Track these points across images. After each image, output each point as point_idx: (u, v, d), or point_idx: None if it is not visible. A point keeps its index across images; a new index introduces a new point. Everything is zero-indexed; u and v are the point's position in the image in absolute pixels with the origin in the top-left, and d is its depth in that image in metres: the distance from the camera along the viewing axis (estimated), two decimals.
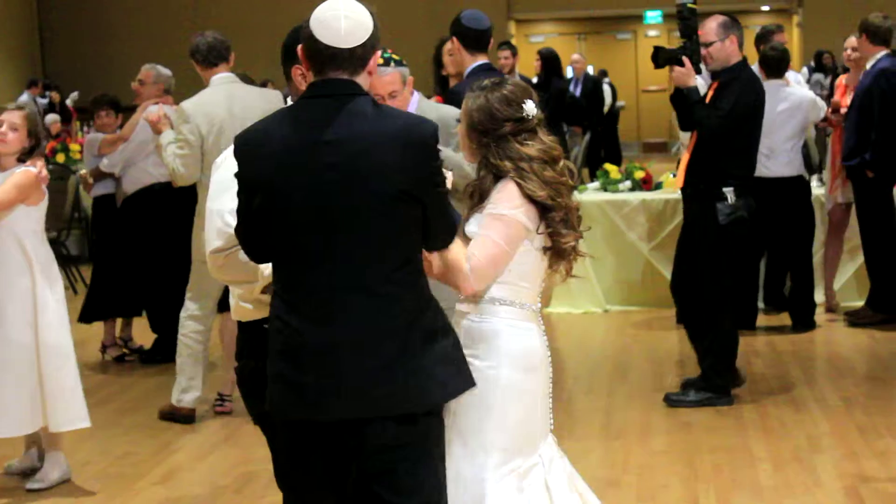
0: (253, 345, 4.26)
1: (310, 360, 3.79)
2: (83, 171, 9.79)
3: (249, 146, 3.84)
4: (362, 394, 3.75)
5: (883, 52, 9.79)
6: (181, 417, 7.85)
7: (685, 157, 7.85)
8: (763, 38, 10.39)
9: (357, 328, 3.75)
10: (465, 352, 4.15)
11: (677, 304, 8.56)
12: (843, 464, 6.70)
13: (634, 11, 27.38)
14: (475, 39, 7.05)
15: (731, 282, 7.71)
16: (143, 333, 9.97)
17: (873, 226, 9.88)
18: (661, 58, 7.83)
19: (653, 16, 27.91)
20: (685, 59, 7.63)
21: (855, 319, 10.03)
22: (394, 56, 5.73)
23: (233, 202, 4.00)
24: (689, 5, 7.78)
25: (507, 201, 4.25)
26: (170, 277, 9.66)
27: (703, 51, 7.70)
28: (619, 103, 23.08)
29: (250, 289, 4.21)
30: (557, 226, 4.31)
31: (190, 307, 7.84)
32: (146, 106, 9.46)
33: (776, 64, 9.68)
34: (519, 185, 4.26)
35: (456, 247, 4.19)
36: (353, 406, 3.76)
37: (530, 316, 4.39)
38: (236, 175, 3.88)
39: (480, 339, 4.31)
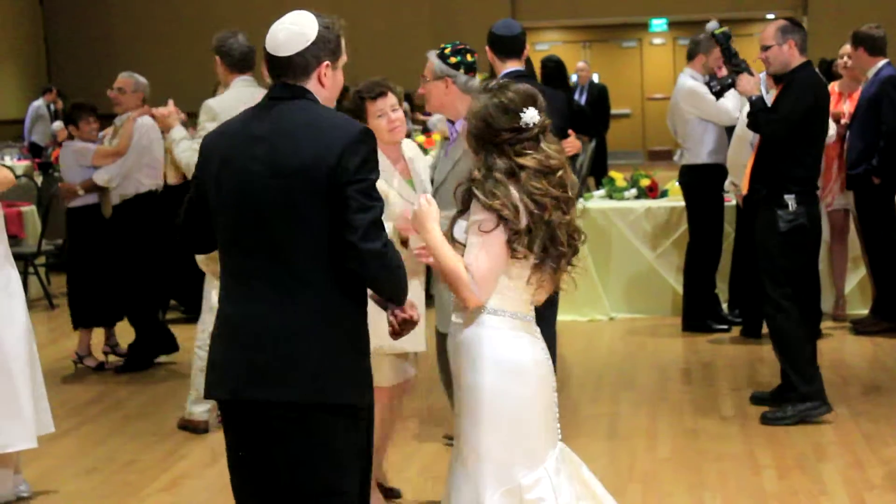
0: None
1: (227, 343, 4.03)
2: (75, 183, 9.62)
3: (209, 138, 4.19)
4: (261, 379, 3.94)
5: (884, 61, 9.81)
6: (194, 429, 7.84)
7: (749, 164, 7.82)
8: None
9: (268, 321, 3.95)
10: (454, 364, 4.29)
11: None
12: (849, 472, 6.70)
13: (639, 19, 27.37)
14: (505, 46, 7.03)
15: (793, 290, 7.57)
16: (129, 338, 10.00)
17: (876, 234, 9.88)
18: (720, 91, 8.17)
19: (658, 24, 27.91)
20: (743, 76, 7.69)
21: (860, 328, 10.03)
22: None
23: None
24: (718, 31, 7.88)
25: (475, 209, 4.28)
26: (154, 284, 9.71)
27: (761, 55, 7.66)
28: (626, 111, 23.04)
29: None
30: (539, 240, 4.28)
31: (206, 320, 7.80)
32: (136, 116, 9.48)
33: (724, 91, 9.61)
34: (475, 193, 4.29)
35: (452, 255, 4.24)
36: (252, 389, 3.95)
37: (520, 325, 4.37)
38: (195, 172, 4.22)
39: (464, 351, 4.33)
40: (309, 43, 4.00)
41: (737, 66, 7.78)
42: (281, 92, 4.04)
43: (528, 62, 7.56)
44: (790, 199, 7.43)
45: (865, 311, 10.34)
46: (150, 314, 9.87)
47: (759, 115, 7.60)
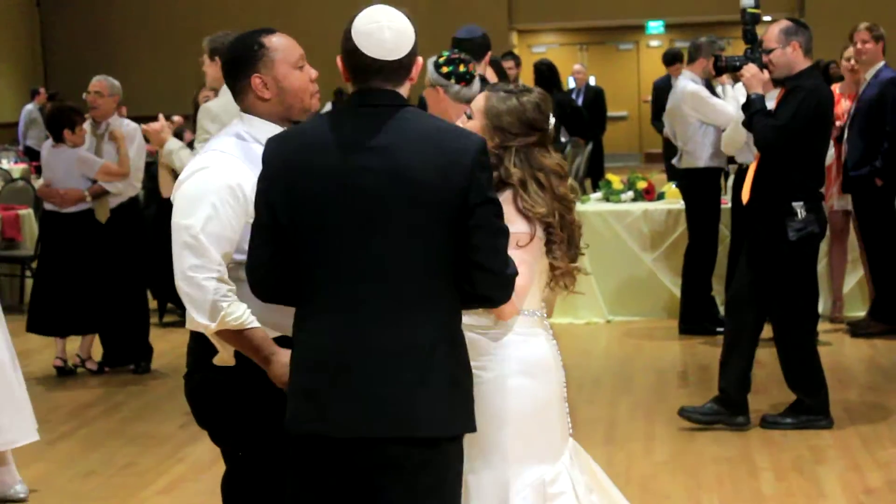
0: (201, 359, 4.17)
1: (332, 375, 3.66)
2: (81, 190, 9.52)
3: (273, 154, 3.75)
4: (380, 412, 3.61)
5: (882, 63, 9.83)
6: None
7: (751, 171, 7.49)
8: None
9: (380, 346, 3.63)
10: (472, 364, 4.15)
11: (733, 321, 7.79)
12: (847, 475, 6.70)
13: (636, 21, 27.40)
14: (463, 49, 7.15)
15: (805, 301, 7.44)
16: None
17: (876, 236, 9.89)
18: (720, 66, 7.73)
19: (655, 26, 27.95)
20: (750, 66, 7.39)
21: (857, 330, 10.03)
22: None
23: (208, 221, 3.95)
24: (751, 10, 7.50)
25: (509, 217, 4.14)
26: (139, 290, 9.72)
27: (764, 57, 7.37)
28: (623, 113, 23.07)
29: (205, 326, 3.99)
30: (555, 247, 4.30)
31: None
32: (124, 134, 9.47)
33: (726, 72, 9.56)
34: (514, 198, 4.25)
35: None
36: (371, 424, 3.62)
37: (536, 322, 4.38)
38: (259, 187, 3.75)
39: (486, 351, 4.28)
40: (413, 41, 3.71)
41: (750, 52, 7.46)
42: (382, 98, 3.69)
43: (497, 64, 7.63)
44: (799, 207, 7.20)
45: (863, 314, 10.35)
46: (138, 319, 9.80)
47: (755, 116, 7.33)
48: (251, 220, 3.87)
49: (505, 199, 4.19)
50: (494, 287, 3.72)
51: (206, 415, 4.25)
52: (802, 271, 7.40)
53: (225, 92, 7.53)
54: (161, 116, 8.07)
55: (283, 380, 3.86)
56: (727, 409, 7.48)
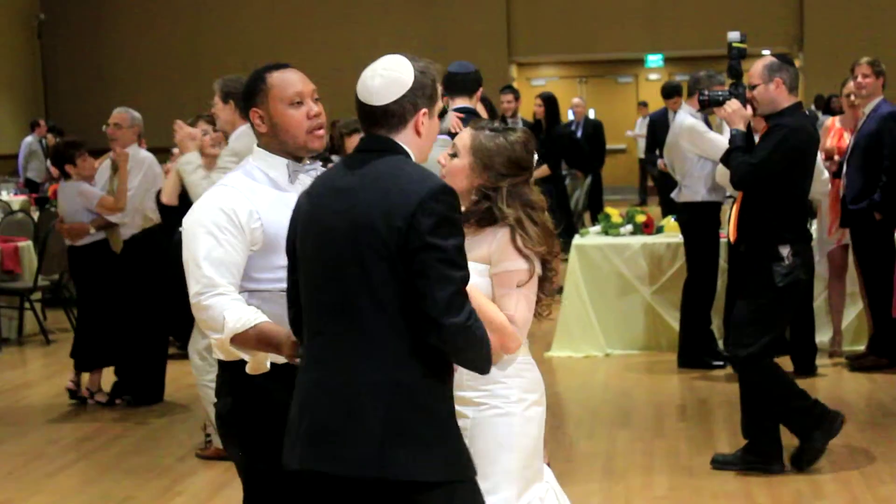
0: (233, 383, 4.28)
1: (302, 411, 3.77)
2: (85, 223, 9.57)
3: (302, 196, 3.92)
4: (323, 449, 3.69)
5: (880, 97, 9.86)
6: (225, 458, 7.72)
7: (735, 210, 7.38)
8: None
9: (328, 383, 3.71)
10: (474, 394, 4.29)
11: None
12: None
13: (636, 55, 27.49)
14: (455, 83, 7.36)
15: (770, 341, 7.15)
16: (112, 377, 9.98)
17: (875, 269, 9.89)
18: (704, 100, 7.61)
19: (654, 59, 28.05)
20: (732, 102, 7.30)
21: (857, 364, 10.03)
22: None
23: (205, 248, 4.13)
24: (736, 44, 7.48)
25: (511, 256, 4.30)
26: (157, 321, 9.71)
27: (748, 93, 7.27)
28: (622, 146, 23.11)
29: (220, 341, 4.14)
30: (545, 283, 4.42)
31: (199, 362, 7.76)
32: (124, 168, 9.49)
33: (710, 106, 9.52)
34: (513, 237, 4.30)
35: (496, 309, 4.25)
36: (317, 459, 3.71)
37: (525, 349, 4.48)
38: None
39: (489, 379, 4.32)
40: (406, 90, 3.74)
41: (734, 88, 7.44)
42: (370, 144, 3.79)
43: (488, 101, 7.67)
44: (785, 251, 7.04)
45: (862, 347, 10.34)
46: (159, 351, 9.84)
47: (733, 153, 7.27)
48: (255, 248, 4.15)
49: (501, 237, 4.30)
50: (434, 335, 3.62)
51: (235, 444, 4.39)
52: (784, 316, 7.30)
53: (247, 133, 7.37)
54: (198, 130, 8.03)
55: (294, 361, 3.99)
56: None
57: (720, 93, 7.54)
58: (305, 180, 4.31)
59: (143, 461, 8.13)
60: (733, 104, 7.32)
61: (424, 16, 24.70)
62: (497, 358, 4.26)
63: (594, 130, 18.94)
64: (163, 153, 10.17)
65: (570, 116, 19.96)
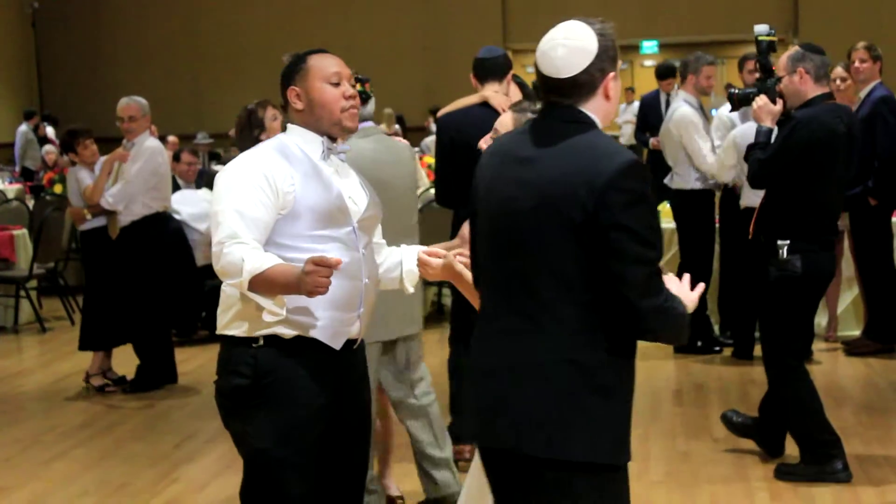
0: (238, 361, 4.31)
1: (475, 384, 3.74)
2: (83, 208, 9.67)
3: (482, 161, 3.87)
4: (502, 423, 3.62)
5: (876, 81, 9.85)
6: None
7: (758, 204, 7.19)
8: (741, 64, 10.31)
9: (511, 357, 3.63)
10: None
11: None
12: (841, 494, 6.70)
13: (631, 41, 27.44)
14: (484, 68, 7.35)
15: (786, 340, 6.95)
16: (122, 363, 9.98)
17: (870, 255, 9.90)
18: (735, 99, 7.33)
19: (649, 46, 28.00)
20: (760, 98, 7.06)
21: (852, 349, 10.04)
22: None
23: (238, 202, 4.18)
24: (763, 37, 7.19)
25: None
26: (159, 306, 9.73)
27: (778, 87, 6.98)
28: (617, 133, 23.09)
29: (239, 284, 4.15)
30: None
31: None
32: (108, 166, 9.54)
33: (741, 104, 9.40)
34: None
35: None
36: (494, 435, 3.66)
37: None
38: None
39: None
40: (593, 57, 3.60)
41: (762, 82, 7.15)
42: (556, 114, 3.67)
43: (523, 84, 7.64)
44: (782, 247, 6.82)
45: (857, 332, 10.36)
46: (159, 337, 9.87)
47: (751, 150, 7.08)
48: (283, 213, 4.23)
49: None
50: (630, 318, 3.54)
51: (227, 420, 4.42)
52: (782, 312, 6.98)
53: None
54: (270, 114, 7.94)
55: (311, 288, 3.98)
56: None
57: (749, 90, 7.28)
58: (336, 161, 4.44)
59: (141, 448, 8.13)
60: (759, 100, 7.07)
61: (420, 2, 24.68)
62: None
63: None
64: (163, 141, 10.19)
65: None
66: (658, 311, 3.54)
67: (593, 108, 3.67)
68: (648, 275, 3.52)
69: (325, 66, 4.42)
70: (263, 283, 4.11)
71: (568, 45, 3.61)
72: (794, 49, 6.98)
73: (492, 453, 3.73)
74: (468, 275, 4.15)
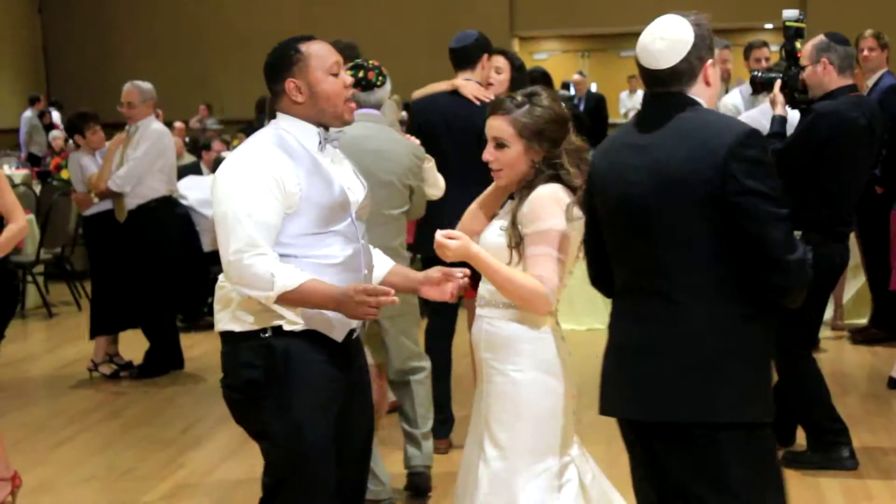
0: (248, 354, 4.27)
1: (618, 361, 3.96)
2: (89, 193, 9.67)
3: (600, 150, 4.09)
4: (646, 397, 3.86)
5: (884, 70, 9.83)
6: None
7: None
8: (746, 52, 10.25)
9: (650, 333, 3.85)
10: (486, 354, 4.44)
11: None
12: (847, 481, 6.70)
13: (638, 28, 27.06)
14: (455, 57, 7.35)
15: (794, 330, 6.69)
16: (129, 348, 9.98)
17: (876, 243, 9.89)
18: (758, 82, 7.25)
19: None
20: (776, 85, 7.01)
21: (859, 337, 10.04)
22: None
23: (251, 207, 4.10)
24: (791, 23, 7.09)
25: (551, 216, 4.33)
26: (166, 291, 9.73)
27: (802, 75, 6.90)
28: (624, 121, 23.05)
29: (266, 298, 4.14)
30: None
31: None
32: (114, 149, 9.56)
33: (763, 88, 9.33)
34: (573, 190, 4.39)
35: (520, 275, 4.31)
36: (639, 408, 3.89)
37: (548, 320, 4.50)
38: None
39: (501, 345, 4.44)
40: (690, 46, 3.87)
41: (787, 69, 7.03)
42: (663, 100, 3.90)
43: (522, 69, 7.63)
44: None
45: (864, 321, 10.36)
46: (166, 322, 9.89)
47: (768, 139, 6.71)
48: (289, 212, 4.16)
49: (542, 193, 4.36)
50: (777, 275, 3.74)
51: (242, 417, 4.42)
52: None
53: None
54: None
55: (359, 314, 4.10)
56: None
57: (774, 74, 7.19)
58: (330, 150, 4.39)
59: (147, 433, 8.15)
60: (777, 86, 7.03)
61: None
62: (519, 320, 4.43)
63: (596, 104, 18.91)
64: (167, 127, 10.18)
65: (571, 91, 19.93)
66: (802, 264, 3.76)
67: (696, 94, 3.91)
68: (787, 231, 3.75)
69: (325, 55, 4.33)
70: (293, 299, 4.11)
71: (666, 38, 3.87)
72: (819, 38, 6.88)
73: (640, 426, 3.93)
74: (485, 255, 4.29)
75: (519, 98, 4.48)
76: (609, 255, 4.01)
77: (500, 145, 4.45)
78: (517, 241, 4.37)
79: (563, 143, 4.44)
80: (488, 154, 4.49)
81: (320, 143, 4.34)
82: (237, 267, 4.12)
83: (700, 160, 3.71)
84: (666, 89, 3.88)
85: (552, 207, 4.33)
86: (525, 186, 4.43)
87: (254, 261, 4.09)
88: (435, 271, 4.51)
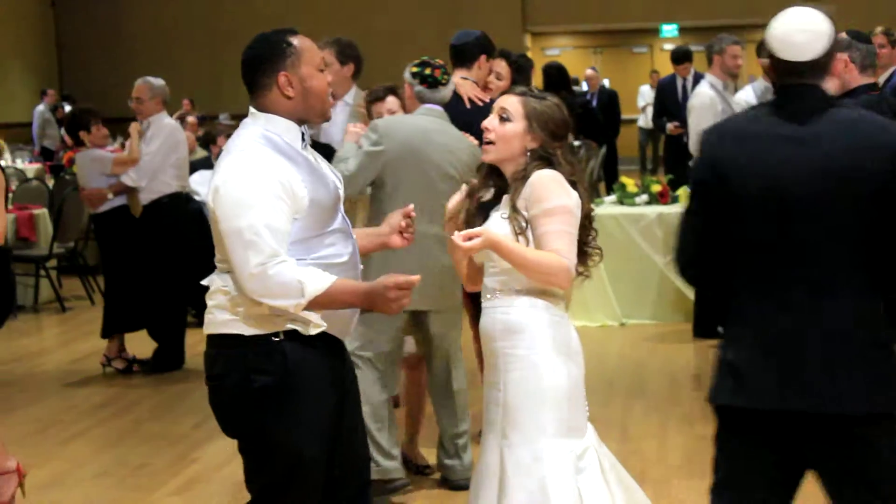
0: (259, 358, 4.20)
1: (769, 353, 3.88)
2: (103, 188, 9.66)
3: (721, 138, 3.99)
4: (807, 387, 3.82)
5: (895, 67, 9.77)
6: None
7: None
8: (760, 49, 10.22)
9: (804, 325, 3.83)
10: (503, 343, 4.49)
11: None
12: None
13: (650, 25, 27.39)
14: (455, 54, 7.43)
15: None
16: (137, 343, 9.99)
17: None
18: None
19: (669, 29, 27.93)
20: None
21: None
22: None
23: (266, 217, 4.01)
24: None
25: (556, 194, 4.43)
26: (178, 287, 9.73)
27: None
28: (637, 116, 23.02)
29: (296, 305, 4.07)
30: (592, 231, 4.63)
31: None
32: (137, 128, 9.56)
33: None
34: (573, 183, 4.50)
35: (537, 252, 4.42)
36: (801, 399, 3.83)
37: (560, 304, 4.60)
38: (694, 175, 4.06)
39: (518, 330, 4.51)
40: (829, 41, 3.89)
41: None
42: (805, 93, 3.90)
43: (518, 63, 7.65)
44: None
45: None
46: (176, 318, 9.90)
47: None
48: (296, 217, 4.08)
49: (542, 176, 4.47)
50: None
51: (242, 422, 4.35)
52: None
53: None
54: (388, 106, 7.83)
55: (392, 308, 4.09)
56: None
57: None
58: (309, 147, 4.32)
59: (159, 428, 8.16)
60: None
61: None
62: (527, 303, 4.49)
63: (609, 100, 18.87)
64: (182, 122, 10.19)
65: (584, 87, 19.92)
66: None
67: (829, 85, 3.98)
68: None
69: (314, 51, 4.26)
70: (322, 303, 4.07)
71: (808, 30, 3.85)
72: (840, 36, 6.81)
73: (789, 417, 3.86)
74: (505, 239, 4.39)
75: (537, 91, 4.64)
76: (740, 244, 3.91)
77: (504, 119, 4.55)
78: (523, 227, 4.45)
79: (562, 140, 4.54)
80: (488, 123, 4.58)
81: (304, 141, 4.26)
82: (262, 279, 4.03)
83: (867, 155, 3.75)
84: (802, 81, 3.88)
85: (555, 186, 4.44)
86: (519, 177, 4.51)
87: (278, 269, 4.01)
88: (395, 216, 4.54)
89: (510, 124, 4.52)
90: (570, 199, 4.45)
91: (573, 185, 4.51)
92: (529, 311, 4.51)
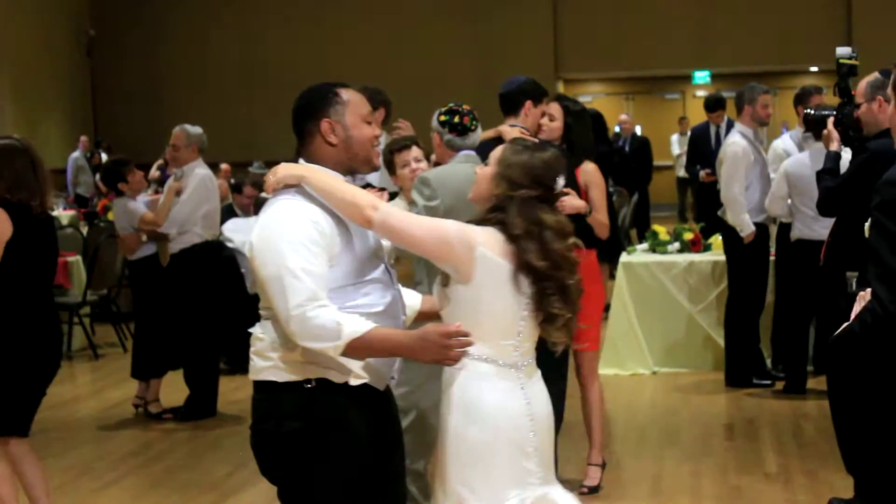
0: (289, 405, 4.20)
1: None
2: (138, 233, 9.78)
3: None
4: None
5: None
6: None
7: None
8: (801, 98, 10.20)
9: None
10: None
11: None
12: None
13: (683, 72, 27.42)
14: (502, 103, 7.40)
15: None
16: (171, 392, 10.04)
17: None
18: (811, 120, 7.20)
19: (701, 76, 27.96)
20: (829, 122, 6.96)
21: None
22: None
23: (303, 261, 4.03)
24: (844, 60, 7.05)
25: (481, 239, 4.28)
26: (210, 334, 9.78)
27: (856, 113, 6.78)
28: (669, 163, 22.99)
29: (334, 348, 4.05)
30: (550, 296, 4.32)
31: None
32: (174, 189, 9.64)
33: (817, 126, 9.24)
34: (517, 246, 4.29)
35: (346, 185, 4.24)
36: None
37: (499, 371, 4.35)
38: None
39: (443, 392, 4.41)
40: None
41: (841, 107, 6.99)
42: None
43: (579, 115, 7.56)
44: (851, 279, 6.43)
45: None
46: (208, 366, 9.94)
47: (820, 176, 6.97)
48: (331, 264, 4.10)
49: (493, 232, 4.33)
50: None
51: (275, 467, 4.30)
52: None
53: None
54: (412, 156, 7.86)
55: (441, 359, 4.04)
56: None
57: (826, 112, 7.15)
58: None
59: (192, 476, 8.16)
60: (829, 123, 6.97)
61: (471, 31, 24.73)
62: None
63: (641, 147, 18.89)
64: (215, 168, 10.25)
65: (617, 130, 19.95)
66: None
67: None
68: None
69: (361, 103, 4.33)
70: (360, 348, 4.06)
71: None
72: (874, 76, 6.74)
73: None
74: (311, 169, 4.24)
75: (530, 143, 4.56)
76: None
77: (486, 163, 4.53)
78: (444, 280, 4.34)
79: (521, 190, 4.36)
80: (478, 167, 4.64)
81: None
82: (300, 321, 4.04)
83: None
84: None
85: (493, 245, 4.30)
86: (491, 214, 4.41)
87: (317, 312, 4.02)
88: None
89: (486, 168, 4.47)
90: (480, 246, 4.26)
91: (515, 239, 4.28)
92: (453, 373, 4.34)
